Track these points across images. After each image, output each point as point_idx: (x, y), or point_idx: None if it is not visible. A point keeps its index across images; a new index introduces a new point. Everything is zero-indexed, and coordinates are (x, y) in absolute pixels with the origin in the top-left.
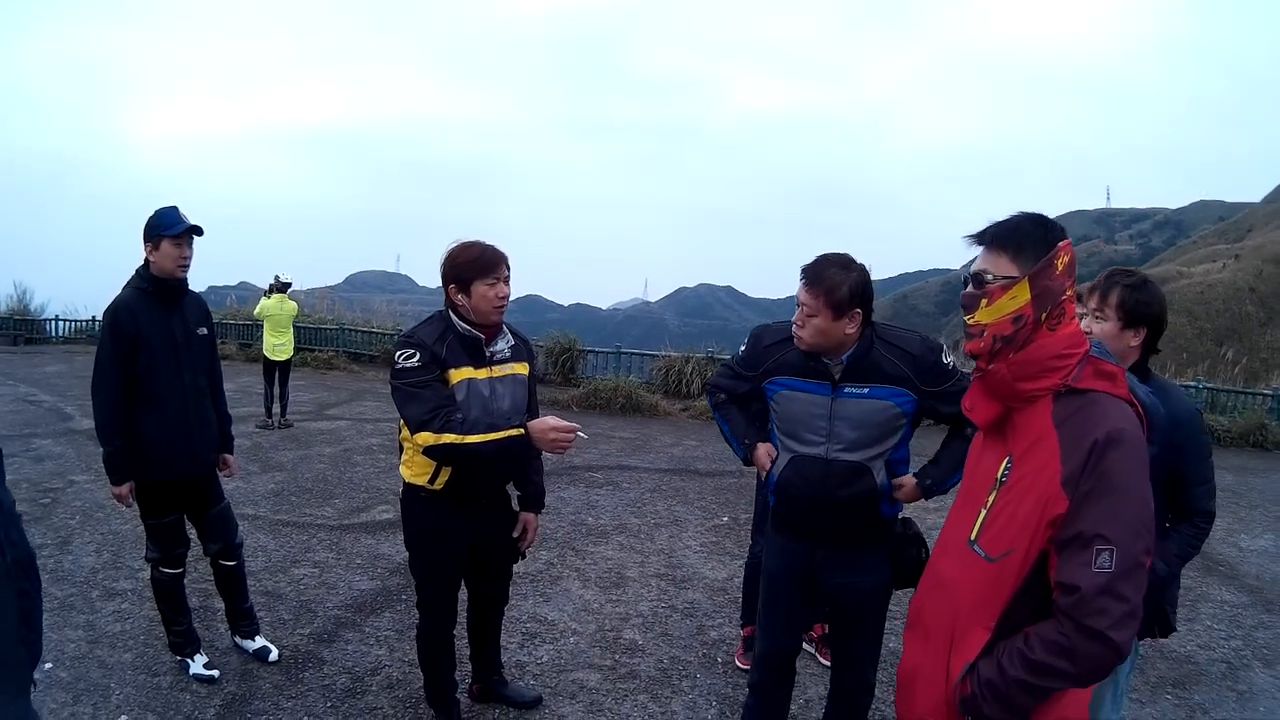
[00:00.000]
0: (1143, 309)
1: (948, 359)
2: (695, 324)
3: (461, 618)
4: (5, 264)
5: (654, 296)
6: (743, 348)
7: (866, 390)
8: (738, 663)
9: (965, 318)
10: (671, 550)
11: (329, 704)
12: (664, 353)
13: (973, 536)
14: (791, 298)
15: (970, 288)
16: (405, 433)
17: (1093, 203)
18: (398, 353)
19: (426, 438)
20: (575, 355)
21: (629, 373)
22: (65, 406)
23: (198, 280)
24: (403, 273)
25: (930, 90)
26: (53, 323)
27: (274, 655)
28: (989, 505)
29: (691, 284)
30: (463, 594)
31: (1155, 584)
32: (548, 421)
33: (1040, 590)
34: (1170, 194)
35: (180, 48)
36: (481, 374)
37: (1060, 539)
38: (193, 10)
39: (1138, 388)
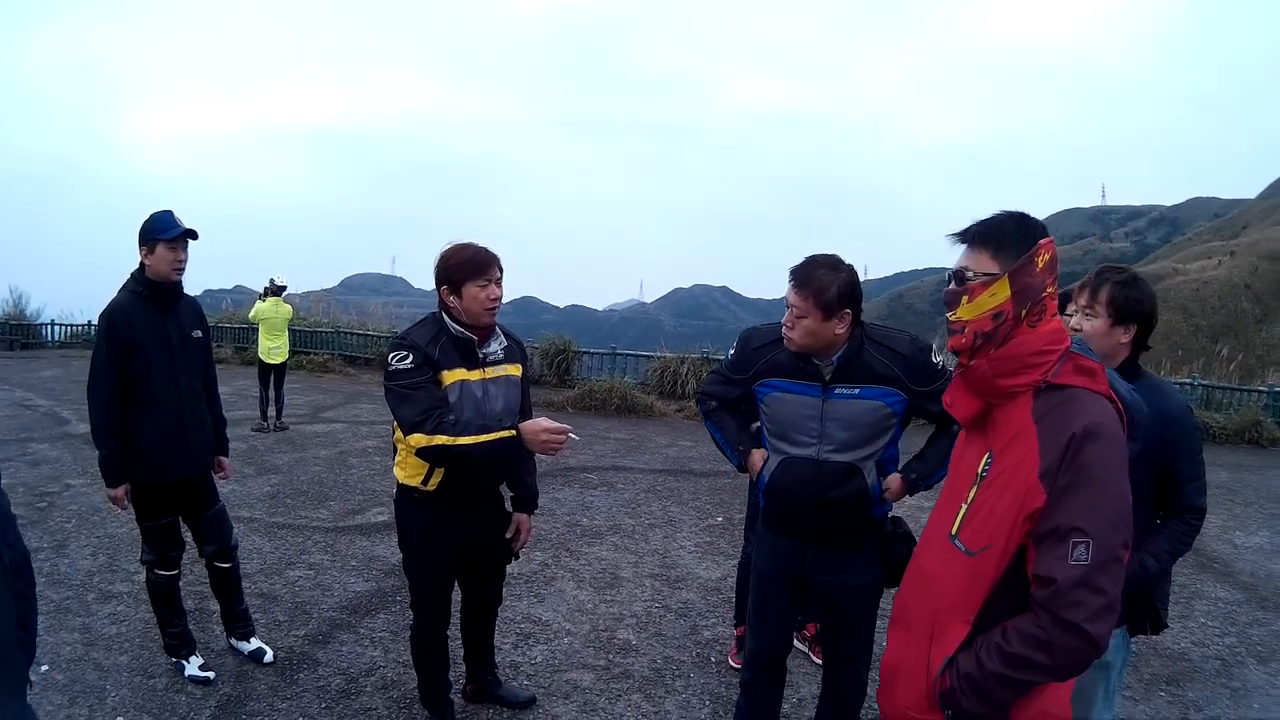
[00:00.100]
0: (1133, 306)
1: (937, 358)
2: (691, 325)
3: (456, 618)
4: (1, 268)
5: (650, 297)
6: (731, 351)
7: (857, 391)
8: (731, 662)
9: (948, 314)
10: (666, 550)
11: (324, 705)
12: (659, 354)
13: (954, 531)
14: None
15: (952, 284)
16: (399, 434)
17: (1088, 200)
18: (391, 354)
19: (419, 439)
20: (570, 356)
21: (624, 374)
22: (61, 411)
23: (193, 283)
24: (398, 275)
25: (929, 89)
26: (48, 327)
27: (269, 657)
28: (970, 500)
29: (687, 284)
30: (457, 595)
31: (1147, 581)
32: (539, 423)
33: (1020, 584)
34: (1165, 191)
35: (180, 48)
36: (474, 375)
37: (1038, 532)
38: (193, 10)
39: (1119, 384)
